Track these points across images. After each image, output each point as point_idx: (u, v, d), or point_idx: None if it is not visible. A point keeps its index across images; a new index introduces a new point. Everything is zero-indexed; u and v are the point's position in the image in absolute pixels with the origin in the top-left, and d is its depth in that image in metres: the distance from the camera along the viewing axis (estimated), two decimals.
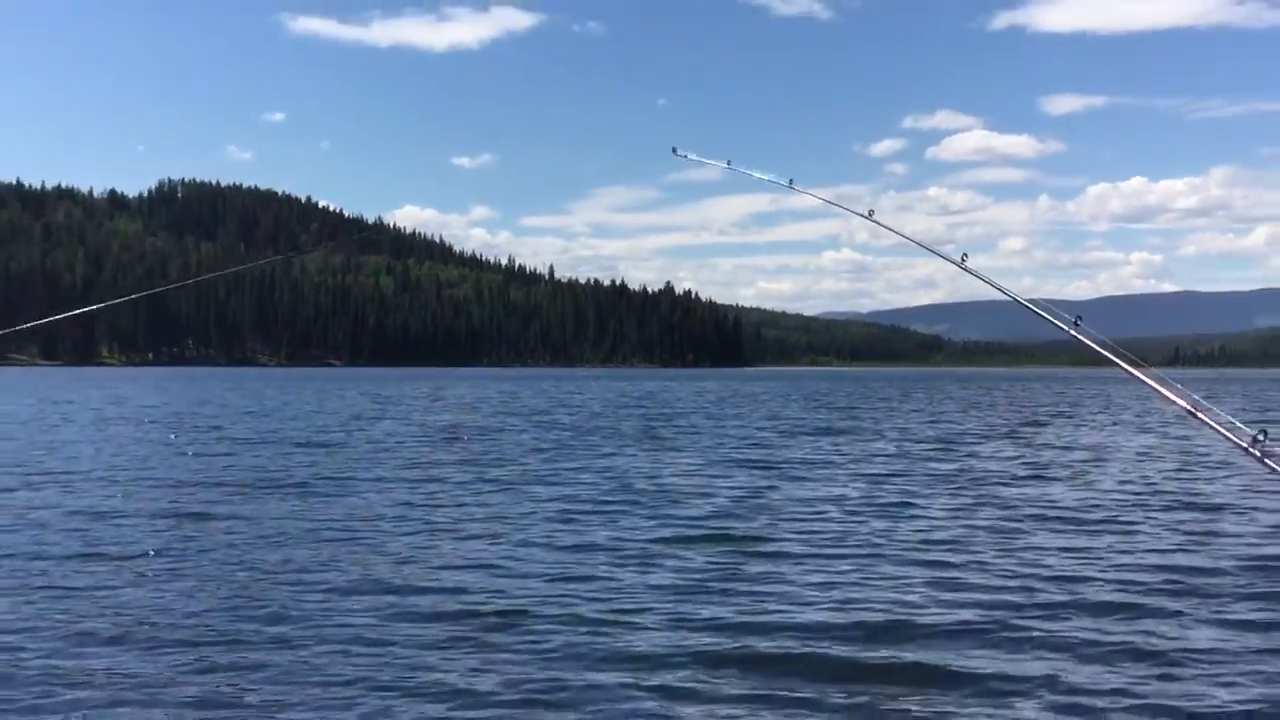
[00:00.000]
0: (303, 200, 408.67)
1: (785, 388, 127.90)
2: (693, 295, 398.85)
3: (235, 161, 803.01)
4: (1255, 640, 11.39)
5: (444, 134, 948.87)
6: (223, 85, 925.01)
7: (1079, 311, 5.08)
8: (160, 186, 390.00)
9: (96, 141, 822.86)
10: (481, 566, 15.11)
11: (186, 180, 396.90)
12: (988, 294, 5.51)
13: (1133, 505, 22.25)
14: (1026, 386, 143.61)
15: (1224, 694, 9.55)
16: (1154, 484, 26.27)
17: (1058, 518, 20.35)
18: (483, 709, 9.09)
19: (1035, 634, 11.50)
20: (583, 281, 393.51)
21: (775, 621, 12.05)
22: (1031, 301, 5.34)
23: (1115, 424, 53.99)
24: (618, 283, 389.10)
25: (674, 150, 9.78)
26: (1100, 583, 14.17)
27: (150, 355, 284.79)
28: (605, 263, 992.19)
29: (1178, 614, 12.48)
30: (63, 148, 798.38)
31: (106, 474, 26.73)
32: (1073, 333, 4.95)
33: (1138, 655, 10.71)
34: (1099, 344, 4.89)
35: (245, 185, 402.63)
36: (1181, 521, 19.87)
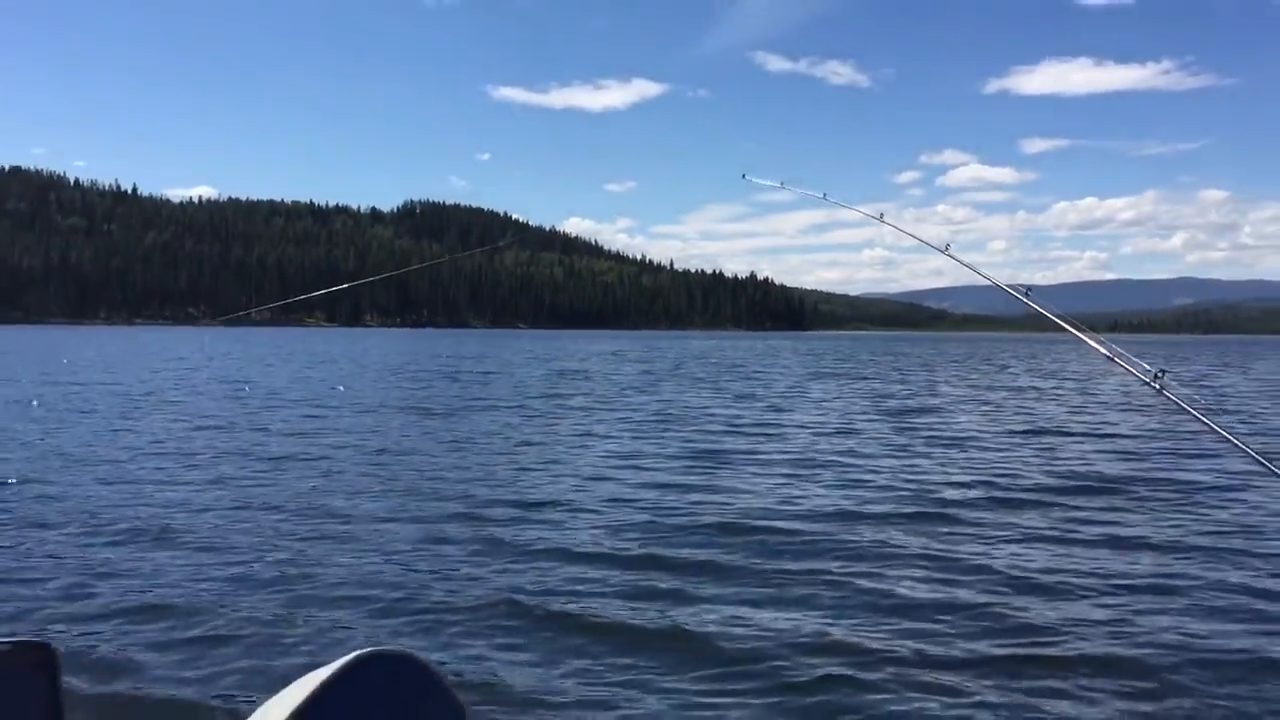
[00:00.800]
0: (501, 214, 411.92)
1: (811, 345, 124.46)
2: (769, 281, 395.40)
3: (456, 187, 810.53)
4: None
5: (599, 168, 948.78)
6: (448, 134, 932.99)
7: (1043, 295, 4.95)
8: (405, 204, 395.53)
9: (362, 172, 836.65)
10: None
11: (422, 200, 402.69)
12: (978, 280, 5.30)
13: (1013, 433, 20.27)
14: (996, 345, 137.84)
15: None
16: (1036, 415, 24.04)
17: (947, 439, 18.78)
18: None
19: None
20: (693, 271, 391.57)
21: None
22: (1010, 286, 5.04)
23: (1040, 372, 50.80)
24: (717, 272, 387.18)
25: (743, 176, 9.14)
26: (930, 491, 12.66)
27: (397, 320, 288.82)
28: (709, 259, 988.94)
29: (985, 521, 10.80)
30: (339, 176, 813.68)
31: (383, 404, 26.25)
32: (1024, 299, 4.76)
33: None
34: (1043, 308, 4.68)
35: (463, 204, 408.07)
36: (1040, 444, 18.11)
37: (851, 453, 16.65)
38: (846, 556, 8.92)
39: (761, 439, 18.72)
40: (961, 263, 5.56)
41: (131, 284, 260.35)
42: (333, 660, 0.70)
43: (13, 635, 0.78)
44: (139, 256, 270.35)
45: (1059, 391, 34.81)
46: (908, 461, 15.60)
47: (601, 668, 6.12)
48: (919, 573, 8.40)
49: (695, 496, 12.03)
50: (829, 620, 7.05)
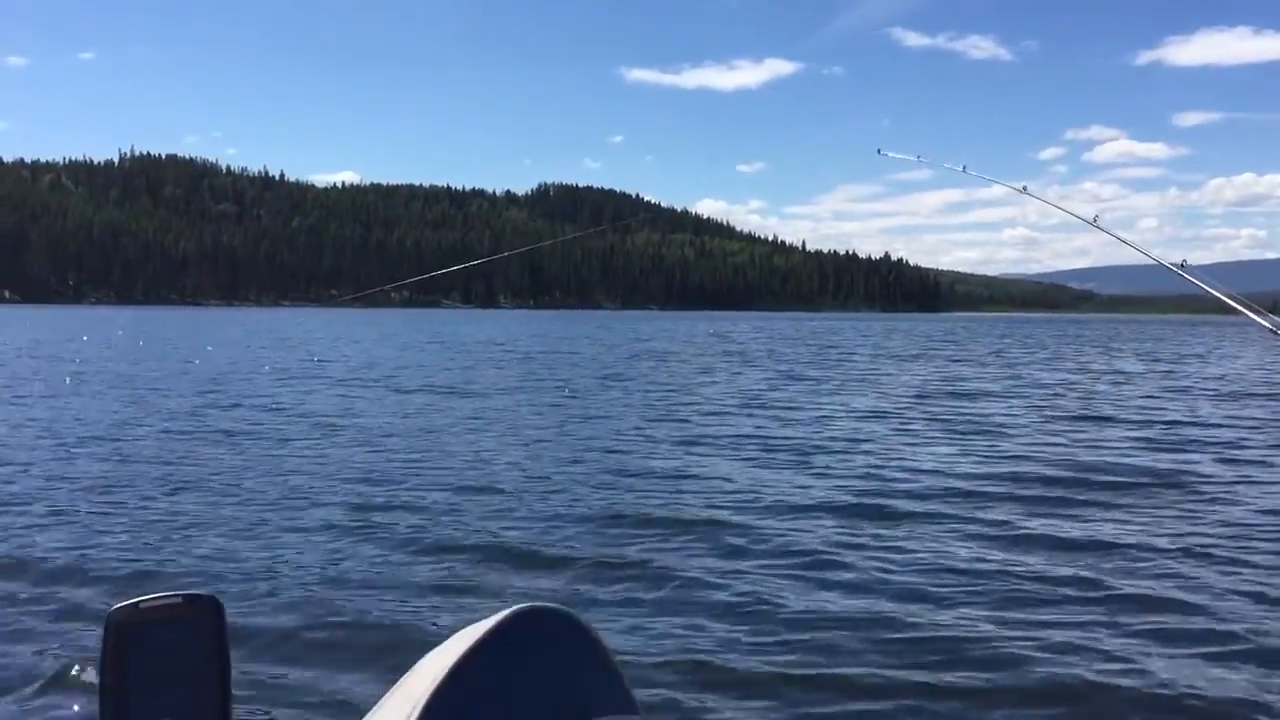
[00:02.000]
0: (633, 196, 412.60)
1: (927, 327, 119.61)
2: (903, 261, 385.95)
3: (589, 169, 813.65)
4: None
5: (731, 149, 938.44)
6: (581, 117, 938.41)
7: (1199, 274, 4.40)
8: (539, 187, 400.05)
9: (498, 156, 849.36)
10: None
11: (556, 183, 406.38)
12: (1126, 259, 4.41)
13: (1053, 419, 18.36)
14: (1137, 327, 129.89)
15: None
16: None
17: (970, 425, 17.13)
18: None
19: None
20: (825, 251, 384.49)
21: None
22: (1165, 260, 4.52)
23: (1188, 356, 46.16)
24: (850, 252, 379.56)
25: (879, 150, 8.74)
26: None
27: (531, 301, 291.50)
28: (842, 239, 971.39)
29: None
30: (475, 161, 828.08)
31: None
32: (1180, 272, 4.31)
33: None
34: (1201, 282, 4.21)
35: (595, 186, 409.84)
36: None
37: (853, 437, 15.55)
38: (731, 554, 8.06)
39: (763, 420, 17.74)
40: (1110, 233, 5.37)
41: (279, 266, 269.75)
42: (489, 616, 0.72)
43: (183, 590, 0.85)
44: (285, 240, 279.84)
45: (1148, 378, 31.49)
46: (903, 450, 14.24)
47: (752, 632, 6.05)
48: (789, 566, 7.68)
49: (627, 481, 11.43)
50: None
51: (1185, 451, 13.99)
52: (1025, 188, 6.31)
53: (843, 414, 19.20)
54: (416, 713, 0.58)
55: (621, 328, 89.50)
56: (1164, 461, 13.10)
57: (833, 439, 15.40)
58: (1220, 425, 17.23)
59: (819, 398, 22.76)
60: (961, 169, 6.87)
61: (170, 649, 0.84)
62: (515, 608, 0.72)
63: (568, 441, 14.64)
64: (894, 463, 12.85)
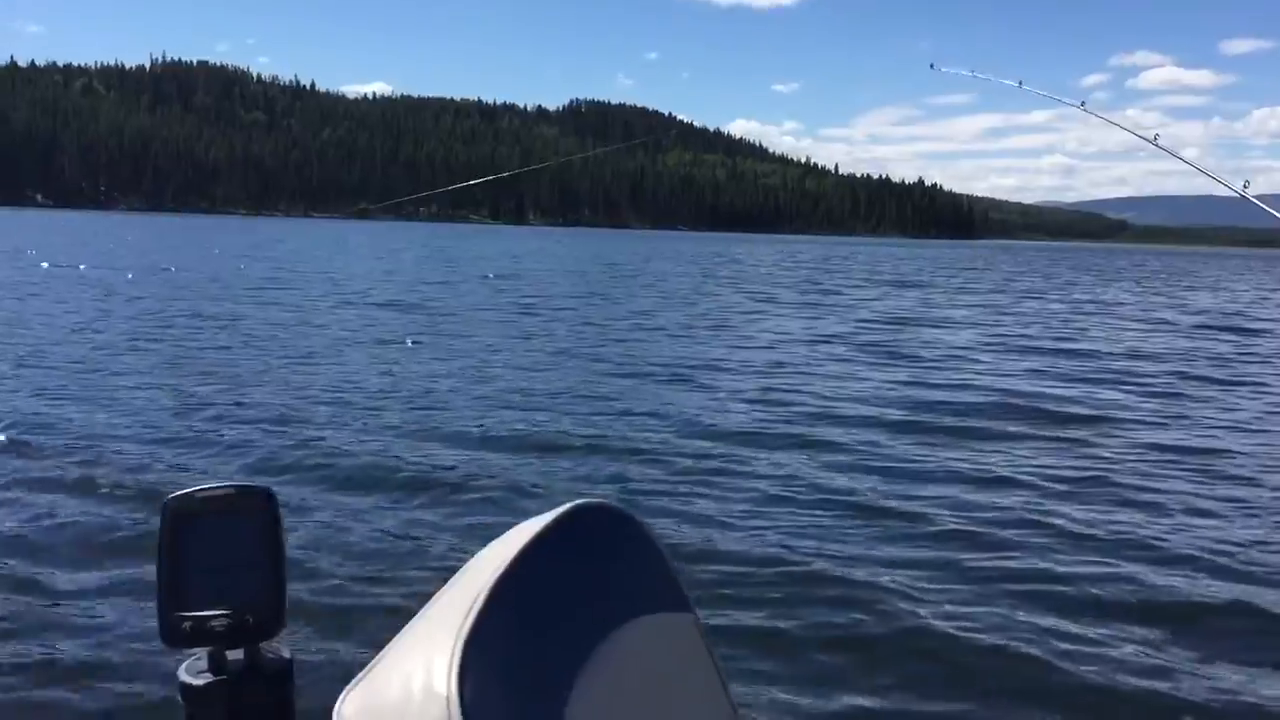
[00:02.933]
0: (666, 114, 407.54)
1: (948, 253, 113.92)
2: (937, 186, 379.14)
3: (622, 86, 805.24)
4: None
5: (766, 69, 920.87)
6: (616, 33, 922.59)
7: (1237, 206, 4.31)
8: (571, 103, 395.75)
9: (530, 71, 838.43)
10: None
11: (588, 99, 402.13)
12: (1168, 190, 4.28)
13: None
14: (1172, 259, 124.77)
15: None
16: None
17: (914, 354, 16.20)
18: None
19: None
20: (858, 175, 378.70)
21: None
22: (1226, 182, 4.34)
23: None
24: (883, 176, 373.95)
25: (931, 65, 8.31)
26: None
27: (559, 220, 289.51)
28: (878, 163, 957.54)
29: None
30: (507, 75, 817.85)
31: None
32: (1242, 193, 4.08)
33: None
34: (1263, 200, 3.96)
35: (628, 103, 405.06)
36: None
37: (786, 365, 14.49)
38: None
39: (696, 344, 16.75)
40: (1172, 153, 5.21)
41: (308, 178, 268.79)
42: (543, 513, 0.73)
43: (236, 481, 0.89)
44: (315, 151, 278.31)
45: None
46: (833, 377, 13.37)
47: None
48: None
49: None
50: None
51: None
52: (1084, 103, 6.14)
53: (785, 339, 18.12)
54: (479, 605, 0.60)
55: (627, 247, 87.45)
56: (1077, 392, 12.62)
57: (746, 362, 14.56)
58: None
59: (773, 321, 21.91)
60: (1018, 84, 6.67)
61: (225, 537, 0.88)
62: (572, 503, 0.73)
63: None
64: (800, 388, 12.19)
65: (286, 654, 0.91)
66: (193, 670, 0.88)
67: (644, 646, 0.70)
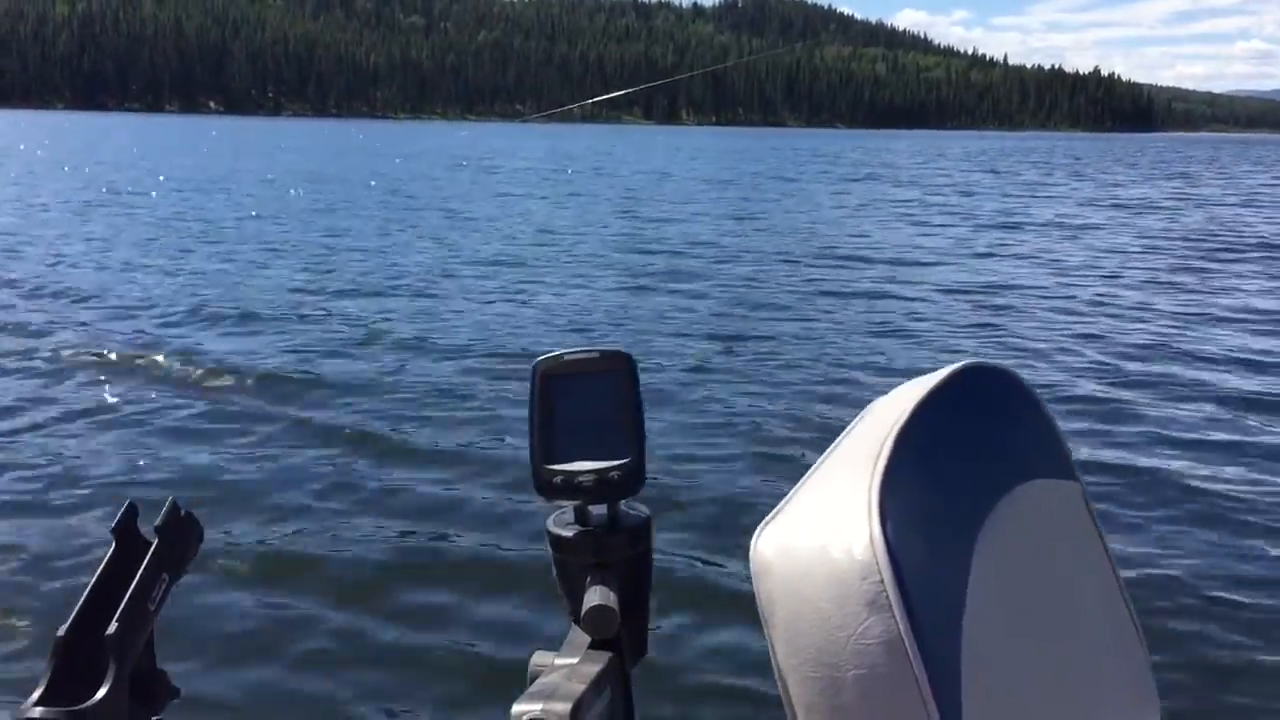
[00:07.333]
0: (825, 7, 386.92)
1: (1104, 146, 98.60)
2: (1114, 77, 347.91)
3: None
4: None
5: None
6: None
7: None
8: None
9: None
10: None
11: None
12: None
13: None
14: None
15: None
16: None
17: None
18: None
19: None
20: (1029, 66, 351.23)
21: None
22: None
23: None
24: (1056, 67, 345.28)
25: None
26: None
27: (713, 118, 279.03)
28: (1054, 52, 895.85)
29: None
30: None
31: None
32: None
33: None
34: None
35: None
36: None
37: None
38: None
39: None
40: None
41: (464, 80, 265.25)
42: (936, 370, 0.72)
43: (598, 345, 0.93)
44: (471, 53, 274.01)
45: None
46: None
47: None
48: None
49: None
50: None
51: None
52: None
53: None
54: (886, 452, 0.61)
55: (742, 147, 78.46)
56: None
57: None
58: None
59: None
60: None
61: (589, 398, 0.91)
62: (962, 363, 0.72)
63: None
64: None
65: (646, 511, 0.94)
66: (560, 522, 0.92)
67: (1034, 510, 0.70)
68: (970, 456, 0.69)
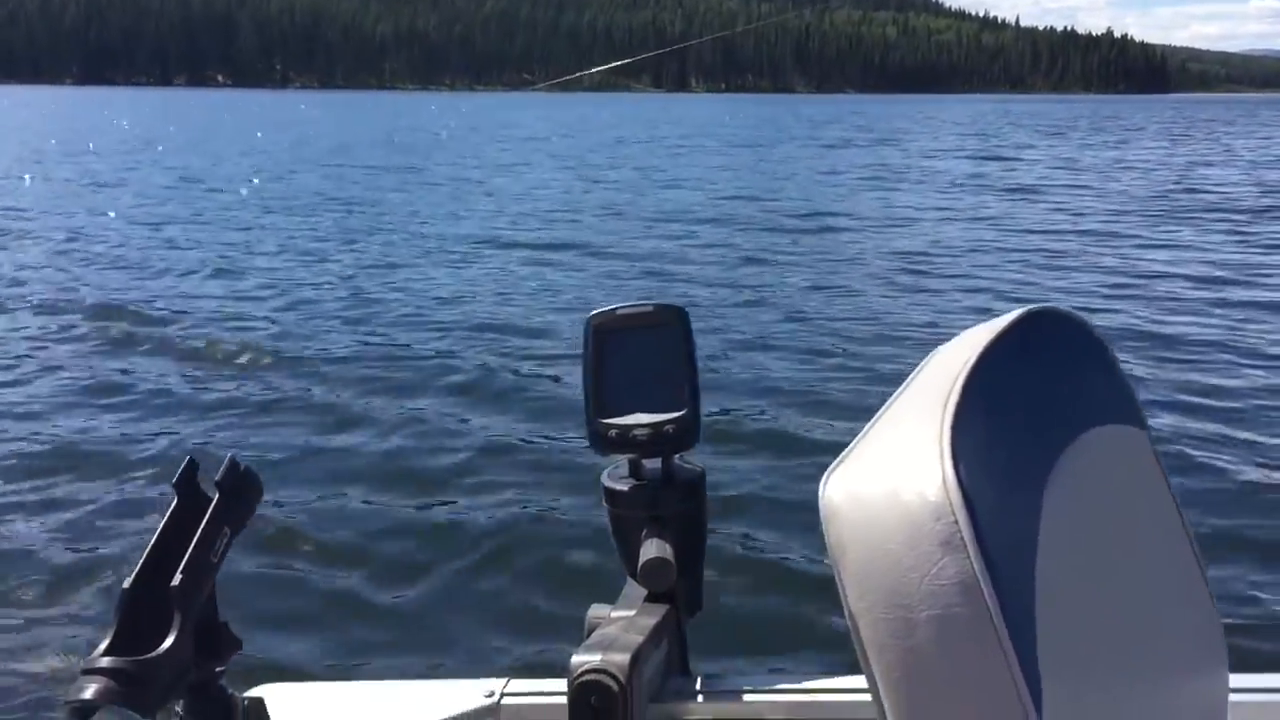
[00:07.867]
0: None
1: (1107, 109, 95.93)
2: (1127, 37, 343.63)
3: None
4: None
5: None
6: None
7: None
8: None
9: None
10: None
11: None
12: None
13: None
14: None
15: None
16: None
17: None
18: None
19: None
20: (1039, 28, 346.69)
21: None
22: None
23: None
24: (1067, 28, 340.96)
25: None
26: None
27: (722, 85, 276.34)
28: (1066, 13, 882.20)
29: None
30: None
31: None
32: None
33: None
34: None
35: None
36: None
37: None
38: None
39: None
40: None
41: (472, 50, 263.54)
42: (1002, 314, 0.72)
43: (652, 299, 0.93)
44: (478, 23, 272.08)
45: None
46: None
47: None
48: None
49: None
50: None
51: None
52: None
53: None
54: (955, 394, 0.60)
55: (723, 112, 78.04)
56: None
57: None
58: None
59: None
60: None
61: (643, 352, 0.90)
62: (1026, 309, 0.71)
63: None
64: None
65: (699, 466, 0.93)
66: (614, 476, 0.92)
67: (1102, 455, 0.70)
68: (1038, 400, 0.68)
